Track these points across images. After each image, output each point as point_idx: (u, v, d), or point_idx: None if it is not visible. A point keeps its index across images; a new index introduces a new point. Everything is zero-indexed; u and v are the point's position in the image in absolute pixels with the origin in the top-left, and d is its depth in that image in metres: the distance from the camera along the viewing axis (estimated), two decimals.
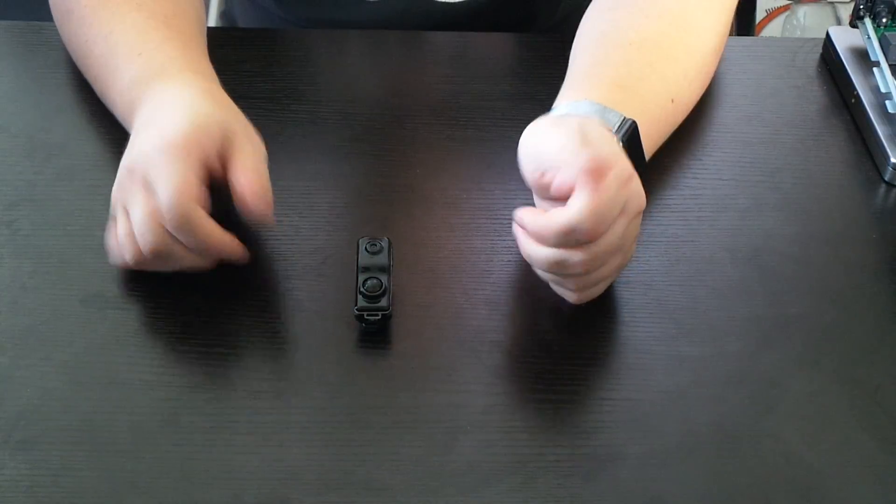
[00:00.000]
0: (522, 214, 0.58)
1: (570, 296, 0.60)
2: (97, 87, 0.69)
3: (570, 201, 0.55)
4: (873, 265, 0.64)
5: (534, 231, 0.56)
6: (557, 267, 0.57)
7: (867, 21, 0.76)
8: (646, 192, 0.58)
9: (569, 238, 0.55)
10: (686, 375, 0.57)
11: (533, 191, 0.60)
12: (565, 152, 0.56)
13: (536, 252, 0.57)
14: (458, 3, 0.84)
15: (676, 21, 0.69)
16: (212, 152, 0.58)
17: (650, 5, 0.69)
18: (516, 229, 0.59)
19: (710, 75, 0.73)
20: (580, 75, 0.66)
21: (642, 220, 0.59)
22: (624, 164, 0.56)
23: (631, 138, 0.61)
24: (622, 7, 0.69)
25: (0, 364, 0.57)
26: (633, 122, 0.61)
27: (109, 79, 0.67)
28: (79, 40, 0.70)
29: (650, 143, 0.65)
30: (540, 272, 0.60)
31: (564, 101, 0.63)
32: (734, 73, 0.78)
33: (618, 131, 0.60)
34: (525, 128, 0.62)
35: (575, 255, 0.55)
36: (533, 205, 0.63)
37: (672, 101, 0.67)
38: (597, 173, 0.54)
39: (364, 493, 0.52)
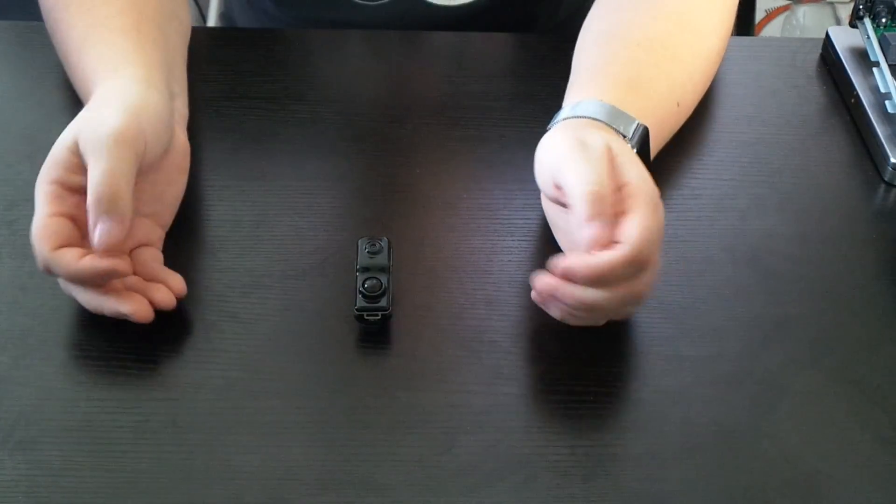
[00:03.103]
0: (570, 264, 0.53)
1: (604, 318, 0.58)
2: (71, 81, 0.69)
3: (626, 231, 0.53)
4: (873, 265, 0.64)
5: (595, 272, 0.52)
6: (629, 300, 0.55)
7: (867, 21, 0.76)
8: None
9: (631, 269, 0.53)
10: (686, 375, 0.57)
11: (546, 196, 0.60)
12: (591, 174, 0.54)
13: (598, 296, 0.53)
14: (457, 6, 0.84)
15: (682, 23, 0.69)
16: (145, 146, 0.57)
17: (655, 7, 0.69)
18: (555, 285, 0.54)
19: (712, 78, 0.73)
20: (588, 73, 0.66)
21: None
22: (654, 185, 0.56)
23: (641, 143, 0.61)
24: (627, 8, 0.69)
25: (0, 364, 0.57)
26: (646, 128, 0.61)
27: (74, 72, 0.67)
28: (54, 34, 0.70)
29: (654, 146, 0.65)
30: (566, 315, 0.56)
31: (574, 99, 0.63)
32: (734, 73, 0.78)
33: (632, 138, 0.60)
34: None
35: (643, 284, 0.54)
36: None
37: (678, 104, 0.67)
38: (644, 199, 0.54)
39: (364, 493, 0.52)
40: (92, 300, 0.57)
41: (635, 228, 0.53)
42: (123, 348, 0.58)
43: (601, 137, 0.57)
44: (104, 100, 0.60)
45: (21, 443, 0.54)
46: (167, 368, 0.57)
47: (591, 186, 0.53)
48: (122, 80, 0.61)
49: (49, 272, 0.56)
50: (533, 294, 0.56)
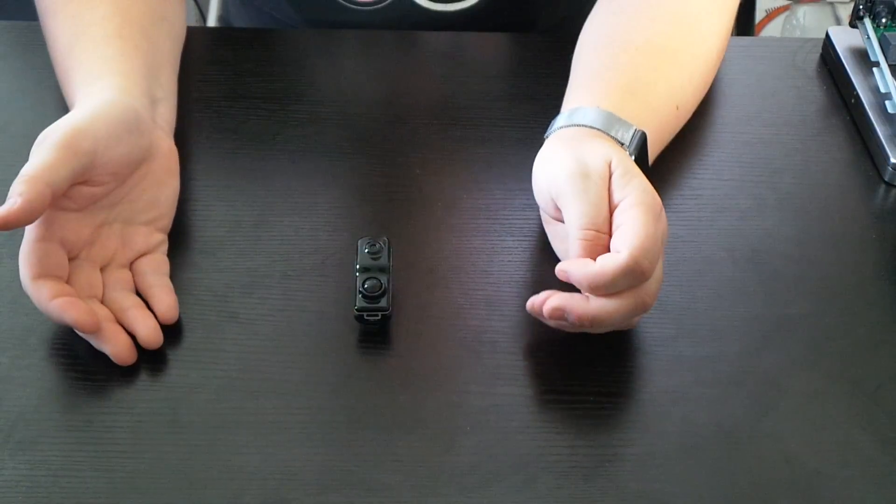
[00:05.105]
0: (568, 268, 0.54)
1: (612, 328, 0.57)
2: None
3: (622, 240, 0.53)
4: (873, 265, 0.64)
5: (591, 280, 0.52)
6: (633, 310, 0.54)
7: (867, 21, 0.76)
8: None
9: (629, 278, 0.52)
10: (686, 375, 0.57)
11: (546, 214, 0.59)
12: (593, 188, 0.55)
13: (607, 306, 0.53)
14: (453, 11, 0.83)
15: (681, 26, 0.68)
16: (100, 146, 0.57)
17: (655, 9, 0.68)
18: (563, 304, 0.54)
19: (712, 80, 0.72)
20: (586, 79, 0.66)
21: None
22: (656, 195, 0.55)
23: (640, 148, 0.61)
24: (627, 11, 0.69)
25: (0, 364, 0.57)
26: (644, 134, 0.61)
27: (63, 85, 0.67)
28: (46, 41, 0.70)
29: (654, 149, 0.64)
30: (568, 324, 0.56)
31: (572, 105, 0.63)
32: (734, 73, 0.78)
33: (630, 144, 0.60)
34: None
35: (645, 294, 0.54)
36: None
37: (677, 107, 0.67)
38: (643, 209, 0.54)
39: (364, 493, 0.52)
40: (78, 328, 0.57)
41: (634, 237, 0.53)
42: None
43: (601, 156, 0.57)
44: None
45: (21, 443, 0.54)
46: (167, 368, 0.57)
47: (587, 231, 0.54)
48: (99, 91, 0.61)
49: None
50: (528, 305, 0.56)
